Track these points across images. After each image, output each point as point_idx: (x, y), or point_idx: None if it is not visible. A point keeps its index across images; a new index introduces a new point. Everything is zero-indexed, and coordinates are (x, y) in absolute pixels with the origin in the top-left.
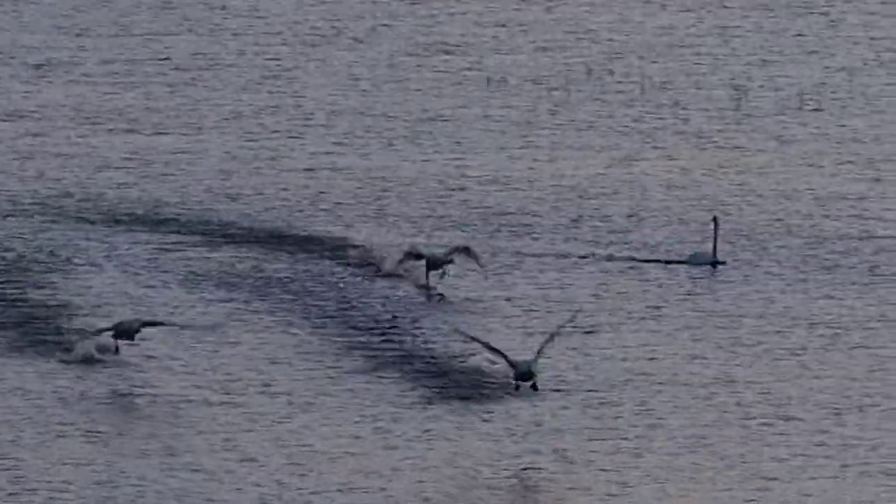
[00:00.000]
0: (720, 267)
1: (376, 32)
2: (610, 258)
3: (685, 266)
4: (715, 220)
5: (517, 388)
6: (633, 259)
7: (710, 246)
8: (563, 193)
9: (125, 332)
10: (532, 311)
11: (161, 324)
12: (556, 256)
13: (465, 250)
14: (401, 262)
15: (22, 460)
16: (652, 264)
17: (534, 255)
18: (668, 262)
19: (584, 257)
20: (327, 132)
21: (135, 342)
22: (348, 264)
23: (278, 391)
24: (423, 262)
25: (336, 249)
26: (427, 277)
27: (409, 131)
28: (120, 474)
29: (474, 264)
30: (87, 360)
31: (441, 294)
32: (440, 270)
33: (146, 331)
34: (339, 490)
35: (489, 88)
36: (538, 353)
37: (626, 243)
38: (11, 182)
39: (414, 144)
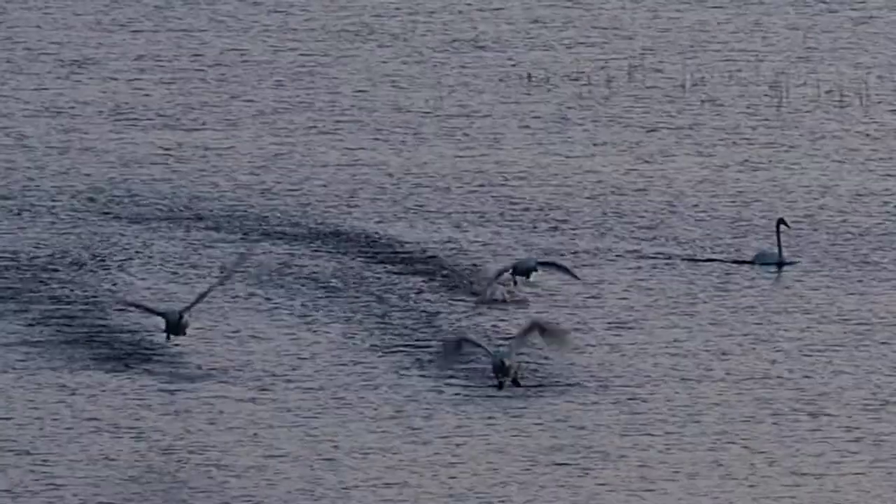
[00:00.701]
0: (786, 267)
1: (411, 28)
2: (661, 255)
3: (751, 266)
4: (781, 220)
5: (500, 385)
6: (692, 259)
7: (772, 245)
8: (599, 190)
9: (177, 325)
10: (562, 307)
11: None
12: (594, 253)
13: (552, 265)
14: (491, 283)
15: (51, 454)
16: (691, 261)
17: (572, 252)
18: (732, 262)
19: (637, 254)
20: (362, 128)
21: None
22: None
23: (310, 387)
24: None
25: (371, 246)
26: (514, 282)
27: (444, 127)
28: (149, 470)
29: (564, 275)
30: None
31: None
32: (527, 277)
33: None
34: (371, 486)
35: (530, 84)
36: (517, 344)
37: (658, 239)
38: (45, 178)
39: (449, 140)
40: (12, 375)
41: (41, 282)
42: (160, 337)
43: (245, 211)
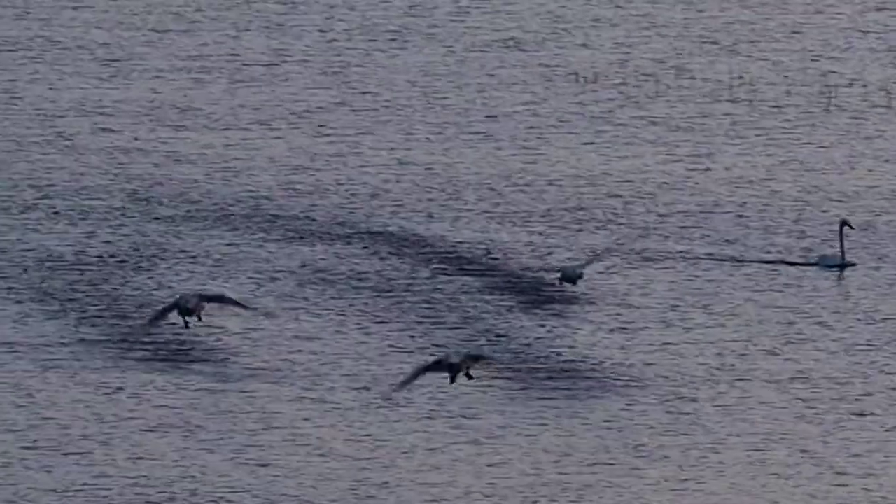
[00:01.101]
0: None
1: (449, 27)
2: (713, 256)
3: (814, 268)
4: (845, 221)
5: (452, 380)
6: (748, 260)
7: (835, 248)
8: (645, 189)
9: (186, 309)
10: (609, 306)
11: (223, 298)
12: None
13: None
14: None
15: (93, 454)
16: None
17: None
18: (794, 265)
19: (684, 256)
20: (401, 127)
21: (199, 318)
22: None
23: (355, 386)
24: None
25: (416, 245)
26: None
27: (489, 127)
28: (193, 469)
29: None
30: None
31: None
32: (573, 283)
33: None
34: (417, 485)
35: (577, 84)
36: (474, 354)
37: (708, 239)
38: (83, 179)
39: (494, 140)
40: (59, 375)
41: (86, 282)
42: (207, 337)
43: (288, 210)
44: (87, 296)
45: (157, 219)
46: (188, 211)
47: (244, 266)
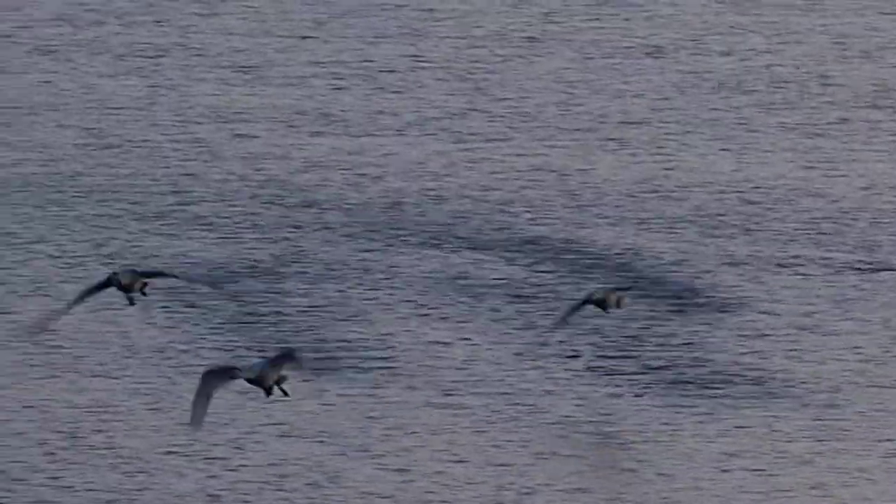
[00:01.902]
0: None
1: (585, 33)
2: (853, 266)
3: None
4: None
5: (267, 393)
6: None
7: None
8: (786, 196)
9: (121, 285)
10: (743, 311)
11: (162, 274)
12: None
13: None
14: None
15: (230, 459)
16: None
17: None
18: None
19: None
20: (537, 134)
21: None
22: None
23: (490, 391)
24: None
25: (548, 251)
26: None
27: (620, 132)
28: (331, 475)
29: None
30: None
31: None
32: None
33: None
34: (554, 490)
35: (718, 91)
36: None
37: (846, 247)
38: (219, 185)
39: (626, 146)
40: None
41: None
42: (341, 342)
43: (424, 217)
44: (222, 302)
45: (292, 225)
46: (323, 217)
47: (379, 272)
